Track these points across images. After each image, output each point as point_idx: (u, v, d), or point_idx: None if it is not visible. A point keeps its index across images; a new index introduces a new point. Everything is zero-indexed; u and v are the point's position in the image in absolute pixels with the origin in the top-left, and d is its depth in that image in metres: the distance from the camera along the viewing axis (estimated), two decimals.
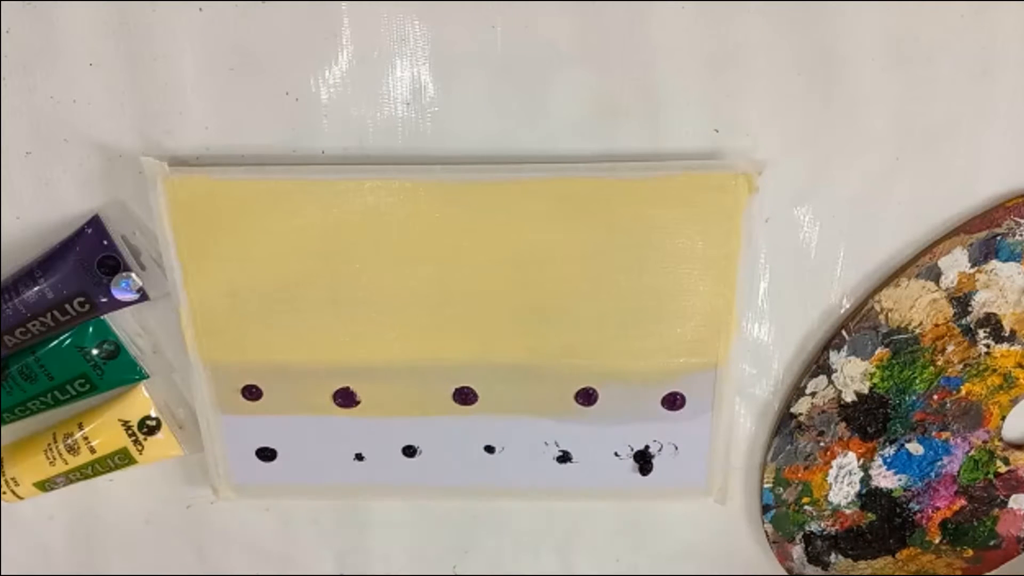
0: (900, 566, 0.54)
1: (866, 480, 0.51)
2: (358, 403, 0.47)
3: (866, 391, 0.48)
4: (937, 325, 0.46)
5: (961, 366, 0.48)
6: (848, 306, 0.47)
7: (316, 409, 0.48)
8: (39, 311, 0.43)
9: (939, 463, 0.50)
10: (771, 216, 0.44)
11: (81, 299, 0.43)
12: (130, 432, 0.48)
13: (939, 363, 0.47)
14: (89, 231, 0.42)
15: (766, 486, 0.51)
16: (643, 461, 0.49)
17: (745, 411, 0.50)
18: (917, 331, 0.47)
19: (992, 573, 0.55)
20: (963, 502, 0.52)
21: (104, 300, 0.43)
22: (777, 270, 0.46)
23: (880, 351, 0.47)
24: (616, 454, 0.49)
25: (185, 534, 0.54)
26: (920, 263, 0.45)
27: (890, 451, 0.50)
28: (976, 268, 0.45)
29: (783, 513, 0.52)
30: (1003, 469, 0.51)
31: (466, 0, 0.39)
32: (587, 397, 0.47)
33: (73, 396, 0.47)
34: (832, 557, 0.54)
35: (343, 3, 0.39)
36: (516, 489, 0.50)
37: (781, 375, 0.49)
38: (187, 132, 0.42)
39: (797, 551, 0.54)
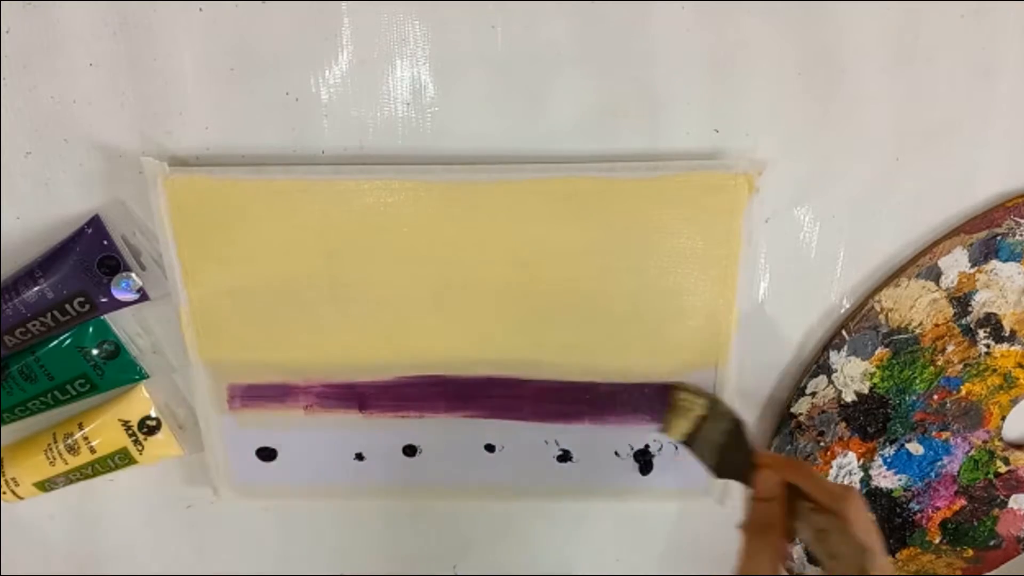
0: (900, 566, 0.54)
1: (866, 480, 0.51)
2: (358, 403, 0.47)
3: (866, 391, 0.48)
4: (937, 325, 0.46)
5: (961, 366, 0.48)
6: (848, 306, 0.47)
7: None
8: (39, 311, 0.43)
9: (939, 463, 0.50)
10: (771, 216, 0.44)
11: (81, 299, 0.43)
12: (130, 432, 0.48)
13: (939, 363, 0.47)
14: (89, 231, 0.42)
15: None
16: (643, 461, 0.49)
17: (745, 411, 0.50)
18: (917, 331, 0.47)
19: (992, 573, 0.55)
20: (963, 502, 0.52)
21: (104, 300, 0.43)
22: (777, 270, 0.46)
23: (880, 351, 0.47)
24: (616, 454, 0.49)
25: (185, 534, 0.54)
26: (920, 263, 0.45)
27: (890, 451, 0.50)
28: (976, 268, 0.45)
29: None
30: (1003, 469, 0.51)
31: (466, 0, 0.39)
32: None
33: (73, 396, 0.47)
34: None
35: (343, 3, 0.39)
36: (516, 489, 0.50)
37: (781, 375, 0.49)
38: (187, 132, 0.42)
39: (797, 551, 0.54)
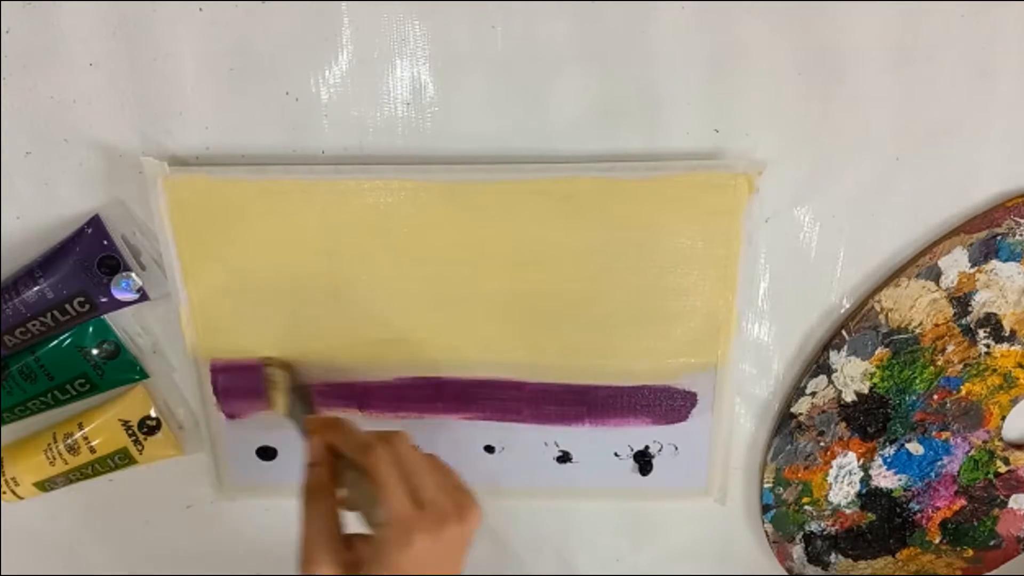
0: (900, 566, 0.54)
1: (866, 480, 0.51)
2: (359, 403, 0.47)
3: (866, 391, 0.48)
4: (937, 325, 0.46)
5: (961, 366, 0.48)
6: (848, 306, 0.47)
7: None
8: (39, 311, 0.43)
9: (939, 463, 0.50)
10: (771, 216, 0.44)
11: (81, 299, 0.43)
12: (130, 432, 0.48)
13: (939, 363, 0.47)
14: (89, 231, 0.42)
15: (766, 486, 0.51)
16: (643, 461, 0.49)
17: (745, 411, 0.50)
18: (917, 331, 0.47)
19: (992, 573, 0.55)
20: (963, 502, 0.52)
21: (104, 300, 0.43)
22: (777, 270, 0.46)
23: (880, 351, 0.47)
24: (616, 454, 0.49)
25: (185, 534, 0.54)
26: (920, 263, 0.45)
27: (890, 451, 0.50)
28: (976, 268, 0.45)
29: (783, 513, 0.52)
30: (1003, 469, 0.51)
31: (466, 0, 0.39)
32: None
33: (73, 396, 0.47)
34: (832, 557, 0.54)
35: (343, 3, 0.39)
36: (516, 489, 0.50)
37: (781, 375, 0.49)
38: (187, 132, 0.42)
39: (797, 551, 0.54)
